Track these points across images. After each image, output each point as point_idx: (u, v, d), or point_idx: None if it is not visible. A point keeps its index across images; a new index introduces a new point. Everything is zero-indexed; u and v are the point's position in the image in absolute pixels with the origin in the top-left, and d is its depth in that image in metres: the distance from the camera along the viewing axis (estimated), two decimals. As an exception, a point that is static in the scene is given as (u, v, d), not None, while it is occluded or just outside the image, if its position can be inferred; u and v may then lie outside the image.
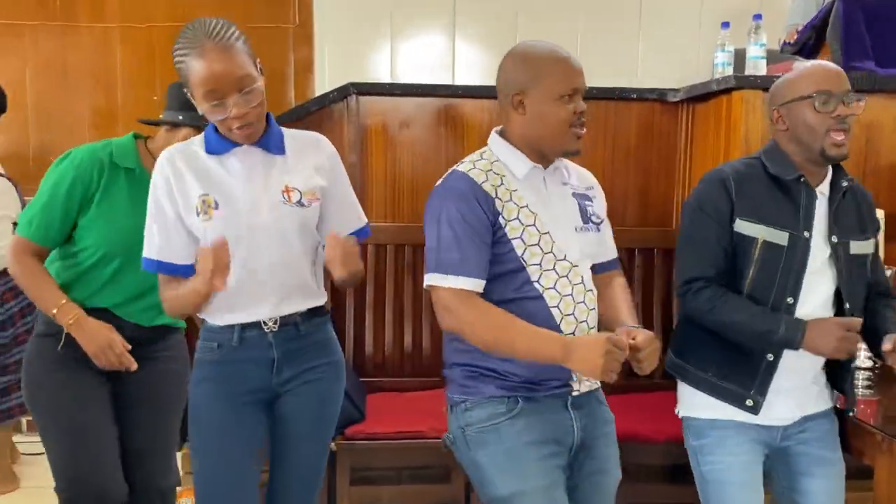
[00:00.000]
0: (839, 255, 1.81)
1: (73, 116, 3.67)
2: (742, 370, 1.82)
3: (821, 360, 1.86)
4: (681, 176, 2.97)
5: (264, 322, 1.73)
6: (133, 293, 1.96)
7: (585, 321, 1.69)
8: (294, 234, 1.71)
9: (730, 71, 2.68)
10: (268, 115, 1.73)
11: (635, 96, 2.96)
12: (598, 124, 2.96)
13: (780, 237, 1.78)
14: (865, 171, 2.52)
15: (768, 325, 1.75)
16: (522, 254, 1.64)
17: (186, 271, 1.68)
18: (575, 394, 1.69)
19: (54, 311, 1.87)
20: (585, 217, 1.75)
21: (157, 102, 3.70)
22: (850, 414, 1.93)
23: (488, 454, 1.66)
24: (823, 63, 1.87)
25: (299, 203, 1.71)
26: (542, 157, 1.70)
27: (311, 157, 1.77)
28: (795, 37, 2.77)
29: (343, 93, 2.86)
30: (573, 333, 1.65)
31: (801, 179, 1.81)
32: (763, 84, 2.44)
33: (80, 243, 1.92)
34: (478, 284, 1.62)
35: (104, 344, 1.86)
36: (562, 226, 1.69)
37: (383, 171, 2.93)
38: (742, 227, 1.81)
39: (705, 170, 2.89)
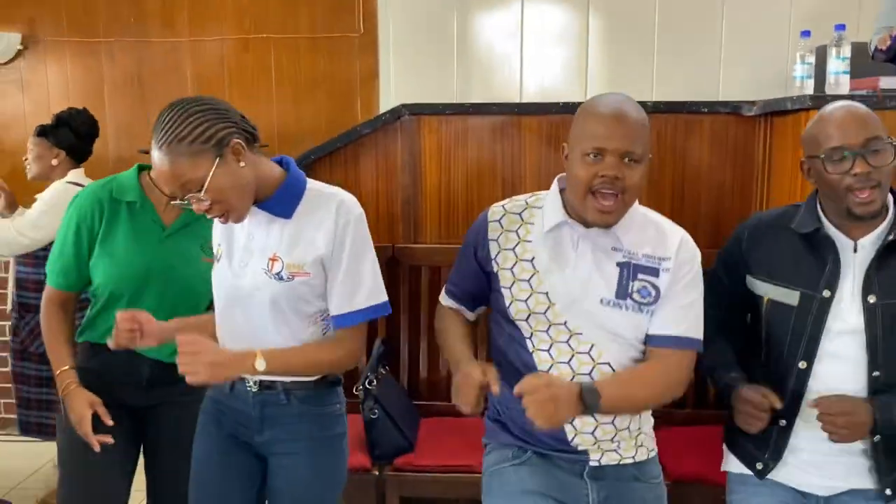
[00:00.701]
0: (876, 318, 1.61)
1: (149, 129, 3.77)
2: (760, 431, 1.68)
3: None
4: (759, 194, 2.77)
5: (246, 379, 1.70)
6: None
7: None
8: (267, 306, 1.63)
9: (810, 84, 2.47)
10: (289, 170, 1.66)
11: (706, 110, 2.76)
12: (666, 142, 2.80)
13: (790, 296, 1.65)
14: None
15: (723, 372, 1.74)
16: (509, 306, 1.61)
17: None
18: (593, 464, 1.63)
19: (57, 372, 1.91)
20: (623, 292, 1.58)
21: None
22: None
23: (491, 498, 1.67)
24: (838, 109, 1.63)
25: (279, 276, 1.62)
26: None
27: (318, 225, 1.63)
28: (889, 42, 2.50)
29: (396, 114, 2.81)
30: None
31: (821, 231, 1.64)
32: (844, 104, 2.22)
33: (94, 282, 1.95)
34: (454, 304, 1.79)
35: (76, 420, 1.86)
36: (577, 293, 1.58)
37: (437, 193, 2.87)
38: (752, 283, 1.73)
39: (784, 188, 2.73)
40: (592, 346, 1.58)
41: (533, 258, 1.60)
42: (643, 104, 2.70)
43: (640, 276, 1.58)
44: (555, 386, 1.45)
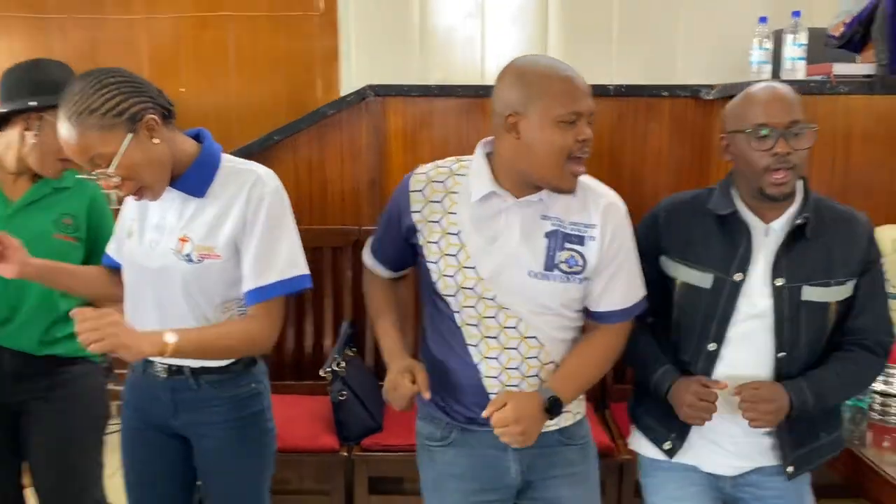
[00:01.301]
0: (783, 301, 1.61)
1: (102, 108, 3.69)
2: (665, 409, 1.68)
3: None
4: (716, 176, 2.84)
5: (156, 365, 1.66)
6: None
7: (517, 368, 1.55)
8: (178, 288, 1.57)
9: (767, 69, 2.54)
10: (203, 147, 1.60)
11: (666, 94, 2.82)
12: (627, 124, 2.85)
13: (703, 279, 1.64)
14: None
15: (649, 371, 1.68)
16: (436, 280, 1.55)
17: (112, 265, 1.75)
18: None
19: None
20: (550, 263, 1.53)
21: (185, 94, 3.73)
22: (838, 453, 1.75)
23: (422, 472, 1.71)
24: (766, 89, 1.63)
25: (188, 257, 1.56)
26: (525, 184, 1.51)
27: (230, 203, 1.57)
28: (842, 29, 2.58)
29: (361, 95, 2.80)
30: (496, 378, 1.55)
31: (736, 214, 1.64)
32: (799, 89, 2.28)
33: None
34: (379, 268, 1.72)
35: None
36: (504, 266, 1.52)
37: (402, 174, 2.85)
38: (665, 265, 1.70)
39: (741, 170, 2.80)
40: (520, 320, 1.54)
41: (459, 231, 1.53)
42: (604, 87, 2.81)
43: (566, 245, 1.54)
44: (523, 419, 1.47)
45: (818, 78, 2.35)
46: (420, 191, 1.57)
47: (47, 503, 1.93)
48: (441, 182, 1.56)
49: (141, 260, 1.62)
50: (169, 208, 1.60)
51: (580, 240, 1.55)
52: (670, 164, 2.87)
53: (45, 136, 1.81)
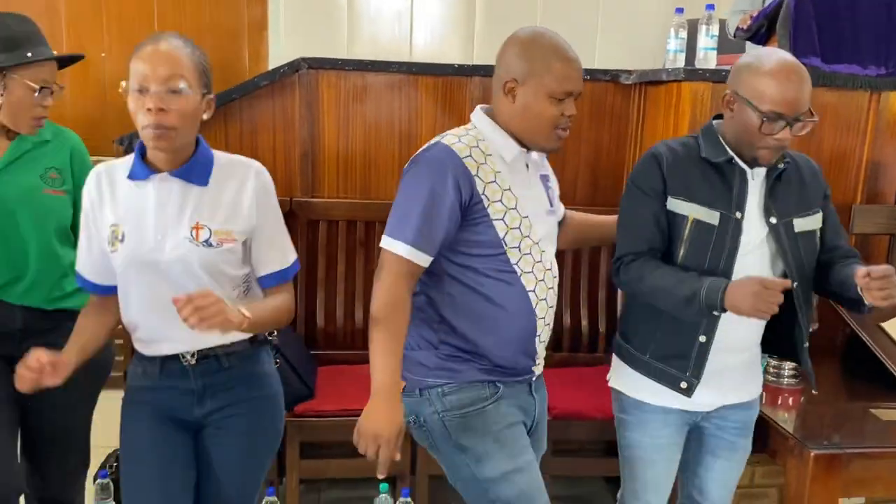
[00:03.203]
0: (780, 235, 1.79)
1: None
2: (679, 351, 1.83)
3: (755, 340, 1.89)
4: (632, 157, 3.01)
5: (182, 356, 1.69)
6: (6, 276, 1.88)
7: (553, 306, 1.76)
8: (202, 272, 1.63)
9: (681, 58, 2.70)
10: (198, 140, 1.68)
11: (588, 77, 2.96)
12: (552, 105, 2.98)
13: (712, 216, 1.77)
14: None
15: (693, 288, 1.70)
16: (504, 236, 1.65)
17: (96, 290, 1.74)
18: (534, 379, 1.79)
19: None
20: (550, 200, 1.81)
21: (106, 59, 3.63)
22: (815, 392, 2.04)
23: (476, 438, 1.68)
24: (794, 78, 1.69)
25: (206, 243, 1.63)
26: (523, 144, 1.71)
27: (239, 190, 1.67)
28: (749, 23, 2.78)
29: (294, 67, 2.82)
30: (544, 318, 1.73)
31: (732, 161, 1.79)
32: (712, 77, 2.47)
33: None
34: (425, 260, 1.63)
35: None
36: (538, 210, 1.73)
37: (335, 147, 2.92)
38: (674, 205, 1.79)
39: (655, 151, 2.98)
40: (551, 260, 1.76)
41: (510, 187, 1.67)
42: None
43: (548, 184, 1.83)
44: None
45: (728, 67, 2.52)
46: (469, 156, 1.63)
47: (45, 447, 1.97)
48: (476, 147, 1.65)
49: (148, 255, 1.62)
50: (167, 200, 1.63)
51: (549, 178, 1.85)
52: (590, 143, 3.02)
53: (12, 95, 1.79)
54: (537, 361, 1.78)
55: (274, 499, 2.53)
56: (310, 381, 2.65)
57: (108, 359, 2.05)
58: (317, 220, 2.90)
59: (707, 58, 2.56)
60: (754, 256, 1.80)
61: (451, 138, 1.67)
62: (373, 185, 2.96)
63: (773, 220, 1.79)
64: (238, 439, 1.76)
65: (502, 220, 1.64)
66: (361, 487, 2.83)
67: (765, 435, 2.07)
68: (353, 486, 2.89)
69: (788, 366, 2.37)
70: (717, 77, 2.46)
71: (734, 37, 2.88)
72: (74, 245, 1.91)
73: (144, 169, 1.63)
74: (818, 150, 2.63)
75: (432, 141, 1.70)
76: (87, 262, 1.73)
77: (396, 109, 2.91)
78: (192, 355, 1.69)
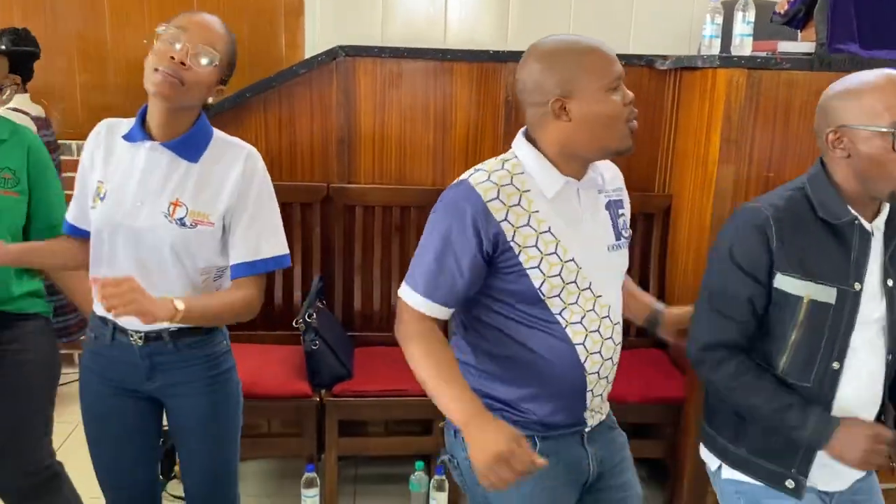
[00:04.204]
0: (894, 301, 1.55)
1: (61, 53, 3.65)
2: (780, 445, 1.58)
3: (872, 414, 1.63)
4: (666, 142, 3.02)
5: (130, 333, 1.68)
6: None
7: (611, 359, 1.54)
8: (167, 251, 1.60)
9: (717, 43, 2.69)
10: (200, 117, 1.66)
11: (623, 62, 2.95)
12: (586, 90, 2.99)
13: (829, 294, 1.51)
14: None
15: (796, 421, 1.51)
16: (540, 286, 1.45)
17: (76, 232, 1.76)
18: (588, 430, 1.57)
19: None
20: (617, 232, 1.56)
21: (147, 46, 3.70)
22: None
23: (502, 495, 1.45)
24: (893, 79, 1.47)
25: (181, 221, 1.60)
26: (582, 165, 1.49)
27: (226, 173, 1.63)
28: (786, 7, 2.75)
29: (332, 55, 2.86)
30: (597, 374, 1.51)
31: (856, 222, 1.53)
32: (747, 64, 2.46)
33: None
34: (441, 312, 1.47)
35: None
36: (592, 249, 1.50)
37: (371, 134, 2.96)
38: (784, 283, 1.52)
39: (689, 137, 2.98)
40: (609, 306, 1.53)
41: (549, 227, 1.46)
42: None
43: (619, 212, 1.58)
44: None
45: (763, 54, 2.52)
46: (496, 198, 1.43)
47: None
48: (509, 184, 1.45)
49: (122, 219, 1.62)
50: (154, 169, 1.62)
51: (622, 204, 1.61)
52: (624, 129, 3.02)
53: None
54: (593, 413, 1.57)
55: (313, 475, 2.63)
56: (347, 362, 2.73)
57: (58, 358, 2.07)
58: (353, 206, 2.96)
59: (743, 44, 2.55)
60: (869, 332, 1.56)
61: (480, 175, 1.46)
62: (408, 170, 3.01)
63: (890, 284, 1.55)
64: (194, 422, 1.76)
65: (537, 268, 1.44)
66: (398, 465, 2.92)
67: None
68: (390, 464, 2.97)
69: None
70: (753, 64, 2.46)
71: (771, 21, 2.85)
72: None
73: (140, 132, 1.62)
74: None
75: (462, 176, 1.50)
76: (76, 208, 1.76)
77: (431, 96, 2.95)
78: (140, 336, 1.68)
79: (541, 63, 1.45)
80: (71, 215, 1.79)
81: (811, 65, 2.46)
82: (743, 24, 2.54)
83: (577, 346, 1.48)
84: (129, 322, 1.63)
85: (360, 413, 2.71)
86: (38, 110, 3.23)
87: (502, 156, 1.53)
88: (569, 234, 1.47)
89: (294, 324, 2.61)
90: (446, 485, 2.68)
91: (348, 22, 3.58)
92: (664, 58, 2.93)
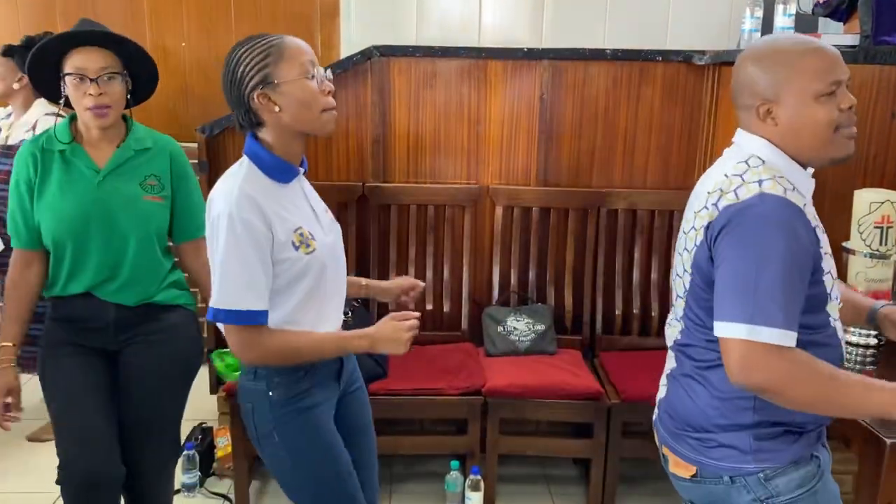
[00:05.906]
0: None
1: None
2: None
3: None
4: (704, 138, 2.98)
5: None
6: (102, 276, 1.95)
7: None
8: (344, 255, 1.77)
9: (757, 37, 2.63)
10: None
11: (660, 58, 2.93)
12: (622, 87, 2.96)
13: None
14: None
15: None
16: (831, 290, 1.41)
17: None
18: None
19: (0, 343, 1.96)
20: None
21: (186, 48, 3.76)
22: None
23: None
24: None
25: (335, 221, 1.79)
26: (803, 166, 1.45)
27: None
28: (828, -2, 2.69)
29: (366, 55, 2.87)
30: None
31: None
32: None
33: (42, 236, 1.95)
34: (794, 339, 1.31)
35: None
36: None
37: (406, 133, 2.97)
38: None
39: (729, 133, 2.91)
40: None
41: (816, 226, 1.40)
42: (601, 51, 2.91)
43: None
44: None
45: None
46: (803, 207, 1.36)
47: (133, 439, 2.00)
48: (793, 190, 1.37)
49: (332, 247, 1.69)
50: (311, 192, 1.72)
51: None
52: (661, 127, 2.99)
53: None
54: None
55: (349, 473, 2.63)
56: (383, 361, 2.73)
57: (198, 350, 2.13)
58: (388, 205, 2.97)
59: (784, 38, 2.49)
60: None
61: (770, 184, 1.34)
62: (441, 169, 3.01)
63: None
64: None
65: (829, 272, 1.40)
66: (432, 463, 2.92)
67: (840, 422, 2.04)
68: (425, 462, 2.97)
69: (869, 351, 2.32)
70: (795, 57, 2.40)
71: (812, 13, 2.79)
72: (170, 251, 2.07)
73: (290, 167, 1.63)
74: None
75: (741, 190, 1.35)
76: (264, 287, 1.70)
77: (466, 94, 2.95)
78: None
79: (752, 66, 1.40)
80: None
81: (855, 58, 2.40)
82: (783, 17, 2.49)
83: (841, 348, 1.47)
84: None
85: (397, 411, 2.71)
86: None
87: (743, 159, 1.41)
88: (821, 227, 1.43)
89: (330, 322, 2.62)
90: (481, 485, 2.67)
91: (384, 24, 3.59)
92: (702, 53, 2.89)
